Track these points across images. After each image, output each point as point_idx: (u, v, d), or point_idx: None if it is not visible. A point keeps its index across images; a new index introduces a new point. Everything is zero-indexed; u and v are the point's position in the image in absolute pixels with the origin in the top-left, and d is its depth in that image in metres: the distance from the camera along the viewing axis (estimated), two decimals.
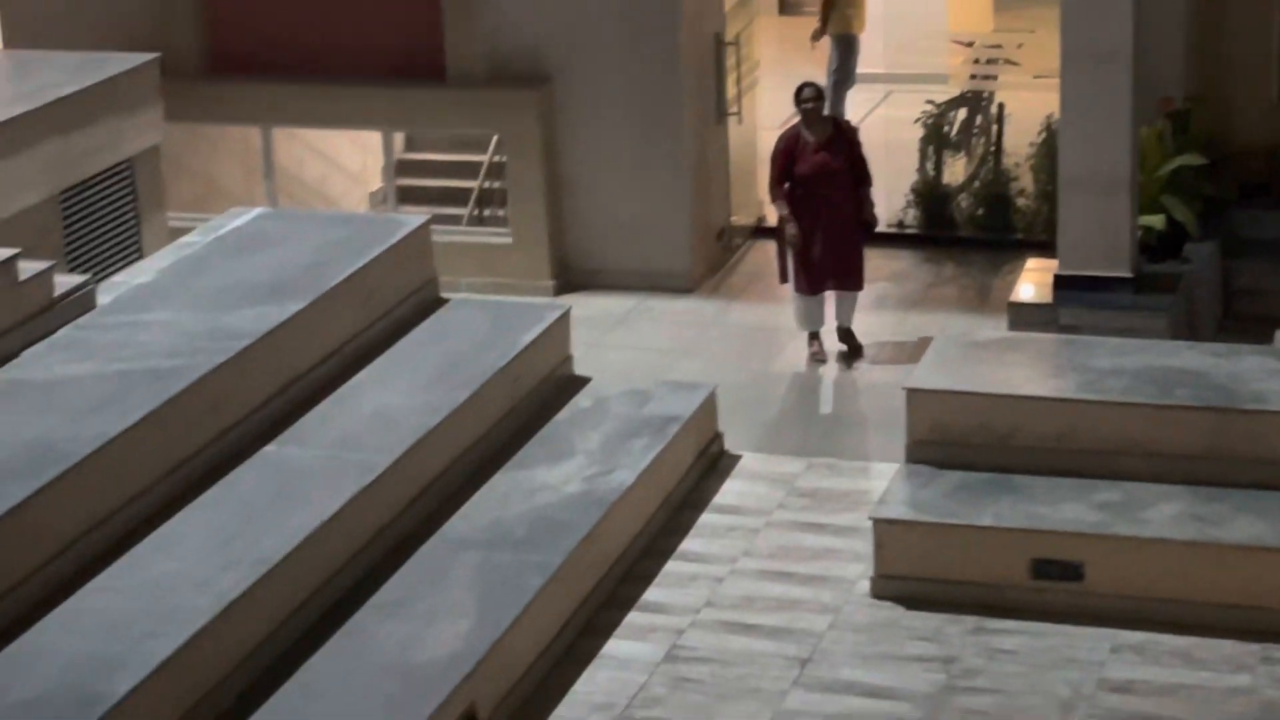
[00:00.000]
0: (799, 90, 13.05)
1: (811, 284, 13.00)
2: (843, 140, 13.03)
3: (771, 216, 15.17)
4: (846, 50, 17.07)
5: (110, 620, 8.74)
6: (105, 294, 11.37)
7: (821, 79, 15.54)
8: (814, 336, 13.21)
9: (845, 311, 13.21)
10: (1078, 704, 9.25)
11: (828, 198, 12.89)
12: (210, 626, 8.74)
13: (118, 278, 11.80)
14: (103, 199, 12.97)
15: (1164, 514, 10.15)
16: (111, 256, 12.98)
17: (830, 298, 13.18)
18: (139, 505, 9.65)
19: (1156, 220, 12.99)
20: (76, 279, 11.22)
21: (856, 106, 17.18)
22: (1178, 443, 10.48)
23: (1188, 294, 12.79)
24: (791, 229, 12.90)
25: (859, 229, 13.08)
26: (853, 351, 13.17)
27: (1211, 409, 10.47)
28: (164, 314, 10.97)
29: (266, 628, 9.14)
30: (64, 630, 8.70)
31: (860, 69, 17.19)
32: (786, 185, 12.99)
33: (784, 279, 13.16)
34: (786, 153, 12.99)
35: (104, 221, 12.99)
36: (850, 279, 13.11)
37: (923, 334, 13.07)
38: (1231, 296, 13.49)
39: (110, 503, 9.50)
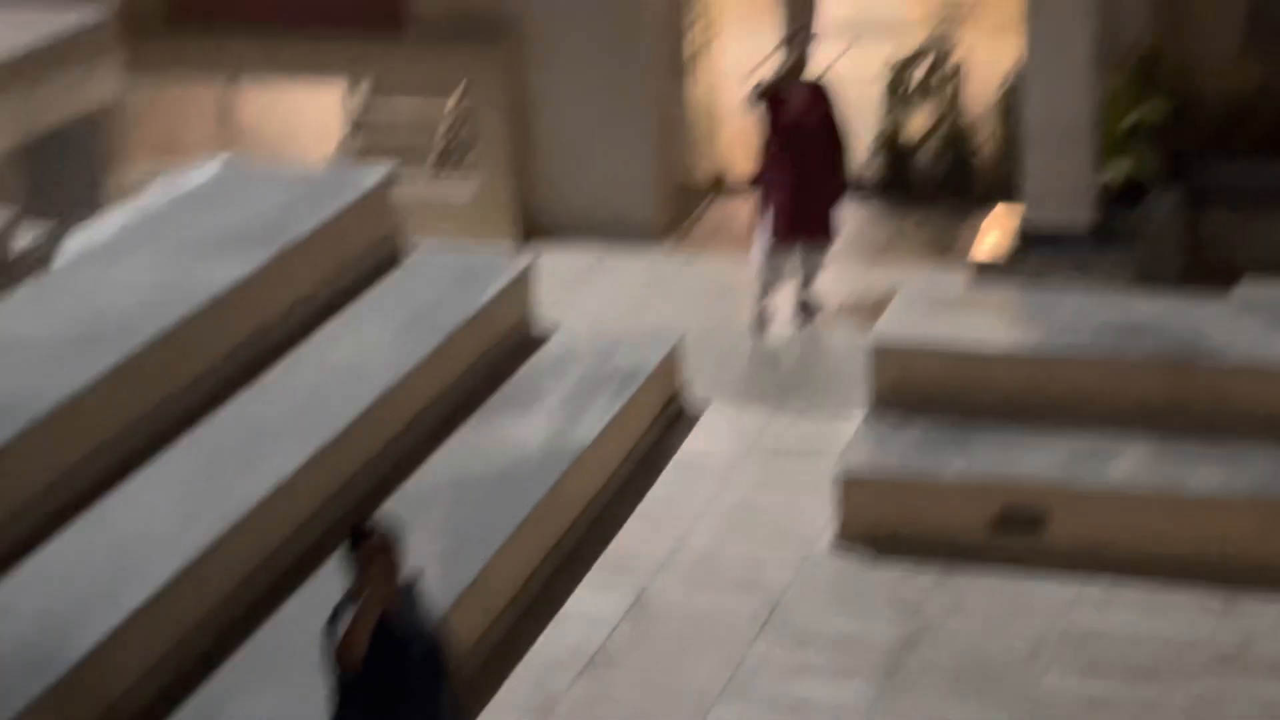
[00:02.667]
0: (785, 40, 12.92)
1: (782, 235, 12.88)
2: (820, 98, 12.92)
3: (734, 170, 15.15)
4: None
5: (74, 578, 8.71)
6: (66, 249, 11.29)
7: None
8: (765, 293, 13.07)
9: (814, 266, 13.08)
10: (1041, 653, 9.29)
11: (805, 153, 12.77)
12: (175, 583, 8.72)
13: (79, 232, 11.71)
14: (63, 153, 12.88)
15: (1127, 464, 10.18)
16: (73, 211, 12.88)
17: (799, 255, 13.02)
18: (104, 460, 9.61)
19: (1119, 169, 12.99)
20: (37, 233, 11.14)
21: (818, 56, 17.02)
22: (1140, 394, 10.50)
23: (1150, 244, 12.80)
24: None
25: (833, 188, 12.97)
26: (809, 311, 13.06)
27: (1174, 359, 10.49)
28: (128, 267, 10.91)
29: (234, 583, 9.12)
30: (29, 587, 8.67)
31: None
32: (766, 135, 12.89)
33: (758, 227, 13.02)
34: (773, 98, 12.79)
35: (65, 176, 12.90)
36: (820, 235, 13.00)
37: (886, 285, 13.05)
38: (1195, 246, 13.50)
39: (75, 458, 9.46)
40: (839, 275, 13.66)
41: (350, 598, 7.14)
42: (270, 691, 8.49)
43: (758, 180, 13.08)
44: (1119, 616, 9.57)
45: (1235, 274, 13.02)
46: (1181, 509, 9.90)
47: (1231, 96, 13.81)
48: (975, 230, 13.61)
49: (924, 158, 15.19)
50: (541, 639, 9.58)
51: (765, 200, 12.94)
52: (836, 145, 12.96)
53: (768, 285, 13.07)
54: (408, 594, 7.29)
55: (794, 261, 13.03)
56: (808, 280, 13.13)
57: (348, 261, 11.75)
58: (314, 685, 8.51)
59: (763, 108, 12.84)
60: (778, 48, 12.96)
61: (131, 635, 8.44)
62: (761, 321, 13.01)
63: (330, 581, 9.26)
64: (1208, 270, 13.22)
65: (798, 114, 12.79)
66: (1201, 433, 10.37)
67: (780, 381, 12.32)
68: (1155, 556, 9.87)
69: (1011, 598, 9.75)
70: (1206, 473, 10.05)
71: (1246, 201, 13.47)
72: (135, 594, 8.56)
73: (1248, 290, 12.59)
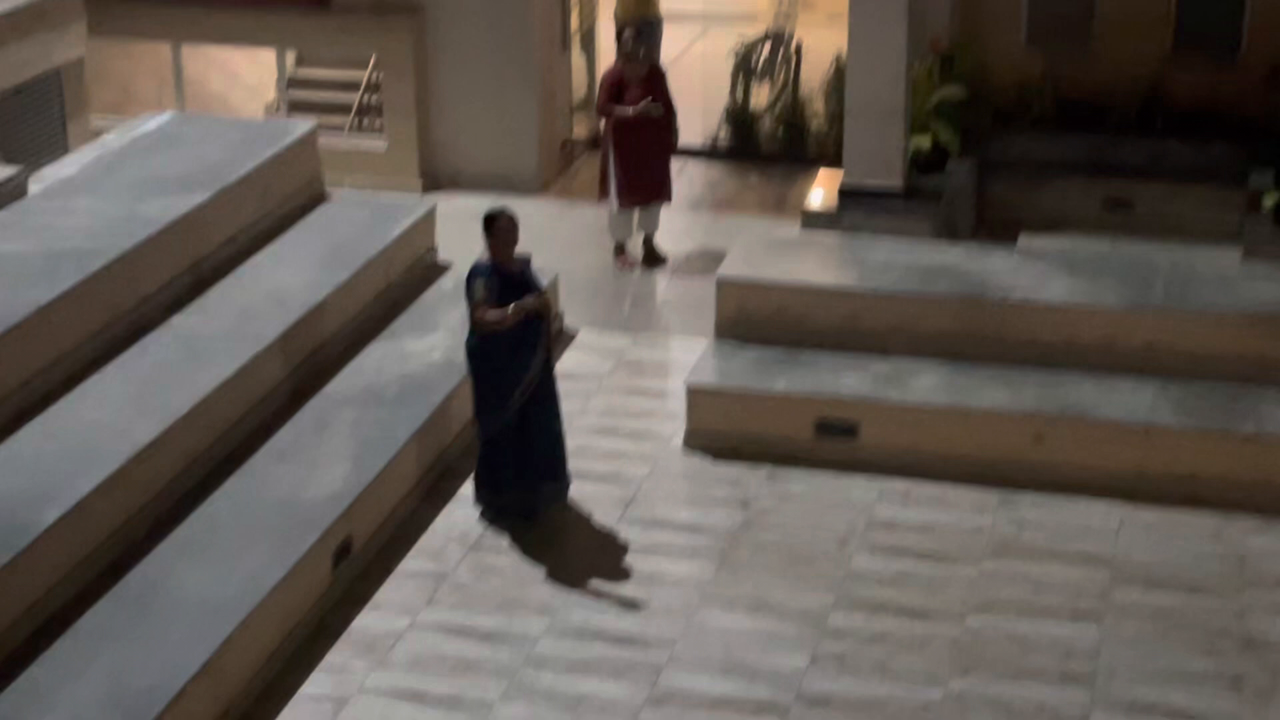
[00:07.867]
0: (619, 34, 12.77)
1: (630, 198, 12.87)
2: (657, 80, 12.87)
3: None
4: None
5: (41, 460, 8.62)
6: (35, 184, 11.10)
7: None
8: (621, 248, 13.08)
9: (653, 221, 13.04)
10: (851, 538, 9.44)
11: (643, 128, 12.71)
12: (127, 467, 8.65)
13: (46, 170, 11.51)
14: (34, 103, 12.65)
15: (924, 384, 10.33)
16: (41, 152, 12.66)
17: (639, 213, 12.96)
18: (66, 364, 9.49)
19: (924, 141, 13.11)
20: (10, 170, 10.94)
21: (676, 41, 16.97)
22: (937, 325, 10.65)
23: (949, 203, 12.96)
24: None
25: (667, 151, 12.96)
26: (655, 259, 13.05)
27: (965, 298, 10.65)
28: (87, 202, 10.75)
29: (176, 469, 9.06)
30: (2, 468, 8.56)
31: (680, 7, 16.69)
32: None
33: (604, 194, 12.99)
34: (614, 83, 12.74)
35: (35, 122, 12.67)
36: (662, 193, 12.98)
37: (730, 232, 13.10)
38: (984, 206, 13.68)
39: (41, 361, 9.33)
40: (693, 220, 13.72)
41: (485, 263, 9.12)
42: (206, 561, 8.47)
43: (603, 149, 12.94)
44: (916, 509, 9.73)
45: (1017, 230, 13.27)
46: (968, 421, 10.07)
47: (1016, 84, 13.99)
48: (806, 189, 13.73)
49: (765, 127, 15.26)
50: (436, 521, 9.60)
51: (609, 167, 12.85)
52: (669, 120, 12.89)
53: (620, 240, 13.05)
54: (525, 263, 9.31)
55: (640, 216, 13.00)
56: (649, 233, 13.07)
57: (277, 201, 11.64)
58: (243, 557, 8.52)
59: (609, 91, 12.72)
60: (621, 41, 12.84)
61: (91, 510, 8.37)
62: (622, 265, 13.02)
63: (263, 466, 9.26)
64: (995, 226, 13.41)
65: (639, 96, 12.70)
66: (986, 359, 10.55)
67: (641, 309, 12.38)
68: (946, 460, 10.04)
69: (828, 493, 9.89)
70: (989, 392, 10.23)
71: (1027, 171, 13.65)
72: (95, 474, 8.48)
73: (1026, 243, 12.84)
